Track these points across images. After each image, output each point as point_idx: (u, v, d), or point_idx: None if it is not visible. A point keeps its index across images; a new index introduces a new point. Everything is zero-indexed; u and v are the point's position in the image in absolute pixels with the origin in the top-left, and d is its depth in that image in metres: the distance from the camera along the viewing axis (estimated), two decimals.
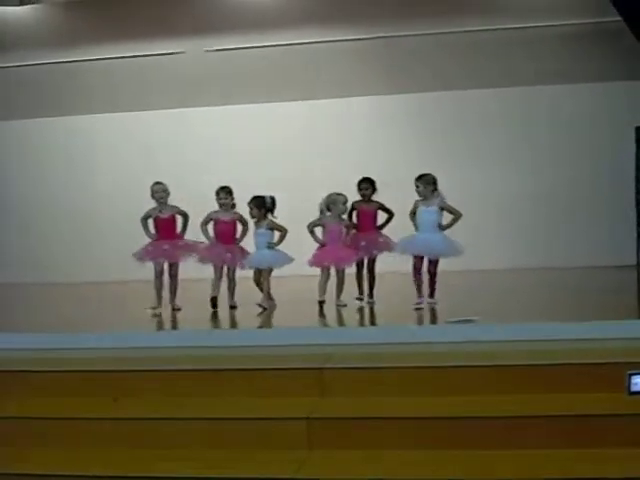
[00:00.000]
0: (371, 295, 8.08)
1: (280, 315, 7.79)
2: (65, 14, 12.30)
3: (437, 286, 7.72)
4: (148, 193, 8.17)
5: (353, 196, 7.98)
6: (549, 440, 4.50)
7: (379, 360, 5.57)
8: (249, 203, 7.99)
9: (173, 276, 8.20)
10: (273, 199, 8.00)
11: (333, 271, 7.94)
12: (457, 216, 7.63)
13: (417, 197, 7.72)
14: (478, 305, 7.48)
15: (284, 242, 7.97)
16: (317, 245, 7.93)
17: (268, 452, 4.70)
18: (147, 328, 7.25)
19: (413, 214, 7.74)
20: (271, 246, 7.92)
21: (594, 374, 4.91)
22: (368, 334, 6.40)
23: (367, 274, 8.10)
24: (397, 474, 4.39)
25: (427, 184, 7.66)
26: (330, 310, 7.66)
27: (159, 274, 8.13)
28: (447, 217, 7.71)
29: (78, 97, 12.46)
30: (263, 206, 7.95)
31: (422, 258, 7.73)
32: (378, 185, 8.06)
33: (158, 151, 12.06)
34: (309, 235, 7.90)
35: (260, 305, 7.90)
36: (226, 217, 8.09)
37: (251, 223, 8.07)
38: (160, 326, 7.61)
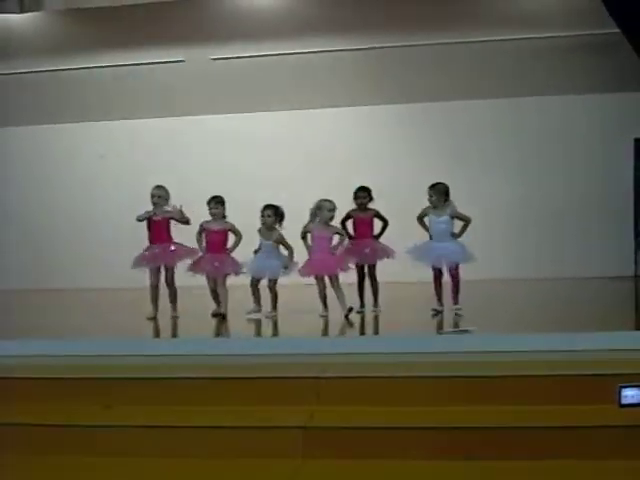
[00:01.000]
0: (376, 303, 8.08)
1: (276, 324, 7.79)
2: (66, 22, 12.34)
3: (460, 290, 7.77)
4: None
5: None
6: (540, 451, 4.52)
7: (376, 370, 5.58)
8: (265, 210, 7.97)
9: (170, 284, 8.19)
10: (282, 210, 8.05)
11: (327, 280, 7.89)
12: (467, 222, 7.75)
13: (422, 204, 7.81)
14: (472, 315, 7.49)
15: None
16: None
17: (264, 461, 4.69)
18: (144, 335, 7.26)
19: (420, 219, 7.81)
20: (286, 266, 7.93)
21: (584, 385, 4.94)
22: (364, 343, 6.42)
23: (369, 281, 8.12)
24: None
25: (440, 194, 7.75)
26: (330, 319, 7.65)
27: (155, 283, 8.13)
28: (457, 224, 7.80)
29: (79, 104, 12.49)
30: (277, 214, 7.97)
31: (440, 269, 7.80)
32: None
33: (160, 159, 12.07)
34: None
35: (268, 316, 7.95)
36: (216, 227, 8.09)
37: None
38: (157, 333, 7.62)
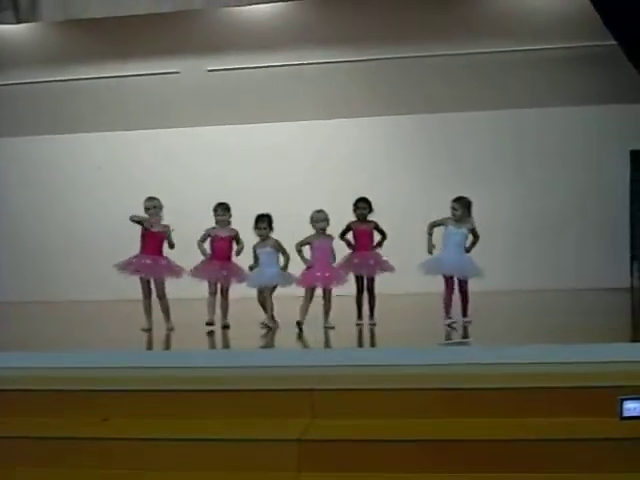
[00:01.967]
0: (372, 316, 8.04)
1: (271, 336, 7.75)
2: (62, 33, 12.33)
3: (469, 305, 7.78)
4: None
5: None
6: (540, 464, 4.48)
7: (371, 382, 5.55)
8: (260, 221, 7.97)
9: (161, 297, 8.12)
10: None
11: (318, 292, 7.87)
12: (477, 239, 7.79)
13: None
14: (473, 326, 7.48)
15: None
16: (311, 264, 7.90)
17: (259, 474, 4.68)
18: (138, 347, 7.22)
19: (433, 227, 7.78)
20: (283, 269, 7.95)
21: (585, 397, 4.91)
22: (359, 356, 6.38)
23: (367, 294, 8.08)
24: None
25: (464, 207, 7.77)
26: (321, 332, 7.60)
27: (147, 294, 8.08)
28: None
29: (75, 115, 12.48)
30: (270, 223, 7.97)
31: (452, 278, 7.77)
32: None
33: (158, 168, 12.06)
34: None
35: (265, 325, 7.91)
36: (222, 234, 8.09)
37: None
38: (152, 346, 7.59)
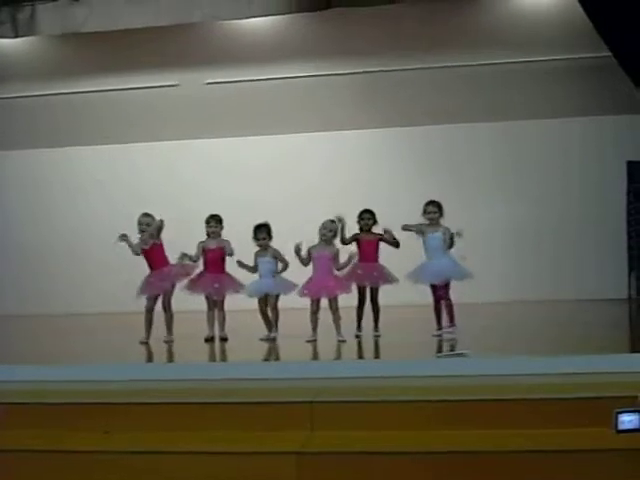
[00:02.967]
0: (376, 327, 8.04)
1: (270, 348, 7.75)
2: (60, 46, 12.34)
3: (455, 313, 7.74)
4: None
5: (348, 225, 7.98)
6: (536, 476, 4.49)
7: (370, 394, 5.56)
8: (259, 231, 7.99)
9: (166, 309, 8.16)
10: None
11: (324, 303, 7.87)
12: (451, 234, 7.72)
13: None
14: (466, 338, 7.48)
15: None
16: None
17: None
18: (138, 360, 7.24)
19: (409, 229, 7.79)
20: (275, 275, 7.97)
21: (582, 409, 4.92)
22: (358, 368, 6.39)
23: (371, 305, 8.09)
24: None
25: (440, 209, 7.79)
26: (322, 344, 7.61)
27: (150, 307, 8.10)
28: None
29: (73, 128, 12.50)
30: (270, 233, 8.00)
31: (437, 285, 7.79)
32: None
33: (155, 184, 12.07)
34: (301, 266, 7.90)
35: (266, 338, 7.93)
36: (213, 245, 8.11)
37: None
38: (152, 358, 7.60)
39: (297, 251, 7.80)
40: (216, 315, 8.17)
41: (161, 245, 8.12)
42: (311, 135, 12.04)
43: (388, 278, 8.00)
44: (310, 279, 7.84)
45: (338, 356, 7.30)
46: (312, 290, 7.79)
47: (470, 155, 11.83)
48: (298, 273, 7.91)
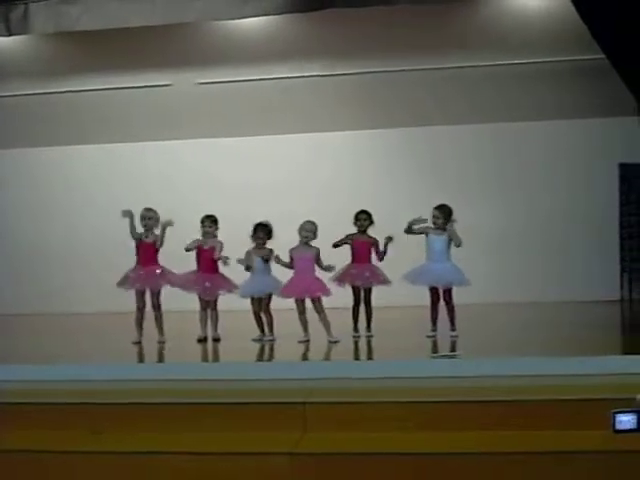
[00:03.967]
0: (369, 328, 8.05)
1: (263, 348, 7.75)
2: (54, 45, 12.29)
3: (456, 315, 7.75)
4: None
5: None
6: (533, 477, 4.49)
7: (363, 395, 5.55)
8: (259, 230, 7.97)
9: (156, 308, 8.15)
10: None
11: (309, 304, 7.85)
12: (458, 244, 7.70)
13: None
14: (462, 339, 7.49)
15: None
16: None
17: None
18: (129, 360, 7.21)
19: (411, 231, 7.74)
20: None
21: (577, 410, 4.92)
22: (351, 368, 6.38)
23: (364, 306, 8.08)
24: None
25: (446, 215, 7.78)
26: (314, 344, 7.60)
27: (140, 306, 8.09)
28: None
29: (66, 128, 12.45)
30: (269, 233, 7.99)
31: (436, 288, 7.78)
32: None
33: (149, 183, 12.02)
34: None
35: (258, 339, 7.92)
36: (208, 245, 8.10)
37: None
38: (143, 358, 7.57)
39: (278, 262, 7.84)
40: (209, 315, 8.16)
41: (155, 245, 8.10)
42: (300, 136, 11.99)
43: (381, 279, 7.99)
44: (290, 280, 7.84)
45: (330, 357, 7.29)
46: (291, 291, 7.77)
47: (457, 157, 11.74)
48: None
